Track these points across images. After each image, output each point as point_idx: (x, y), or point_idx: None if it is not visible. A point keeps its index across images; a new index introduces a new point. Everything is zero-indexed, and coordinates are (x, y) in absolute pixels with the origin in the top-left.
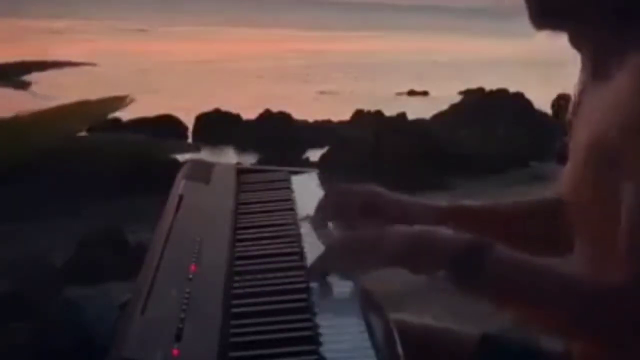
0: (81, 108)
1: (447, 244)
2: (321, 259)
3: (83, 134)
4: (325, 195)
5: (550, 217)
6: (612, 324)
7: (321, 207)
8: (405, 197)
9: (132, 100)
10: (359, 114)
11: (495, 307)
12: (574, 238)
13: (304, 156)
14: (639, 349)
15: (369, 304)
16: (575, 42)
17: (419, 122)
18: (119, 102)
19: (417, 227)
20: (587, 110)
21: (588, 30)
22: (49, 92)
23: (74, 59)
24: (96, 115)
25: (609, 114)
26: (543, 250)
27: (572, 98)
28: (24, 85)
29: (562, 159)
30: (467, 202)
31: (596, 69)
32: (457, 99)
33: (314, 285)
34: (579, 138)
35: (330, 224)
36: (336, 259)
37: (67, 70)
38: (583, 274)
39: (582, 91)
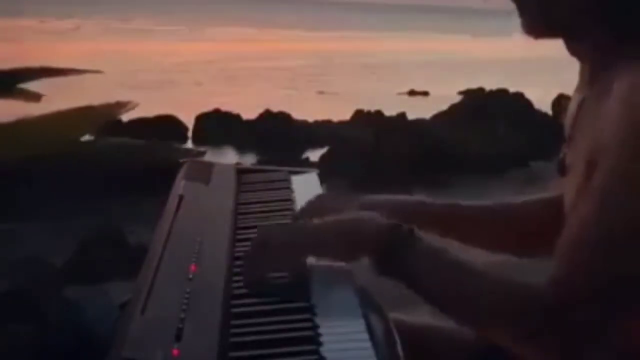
0: (85, 113)
1: (369, 229)
2: (244, 269)
3: (86, 137)
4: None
5: (544, 217)
6: (537, 326)
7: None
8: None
9: (135, 105)
10: (359, 114)
11: (418, 297)
12: None
13: (304, 156)
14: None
15: (369, 304)
16: (572, 50)
17: (419, 122)
18: (123, 106)
19: (345, 216)
20: (586, 124)
21: (584, 42)
22: (49, 93)
23: (74, 60)
24: (99, 120)
25: (601, 130)
26: (534, 250)
27: (571, 109)
28: (36, 98)
29: (563, 171)
30: (456, 200)
31: (594, 80)
32: (457, 99)
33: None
34: (579, 152)
35: None
36: (260, 259)
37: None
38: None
39: (582, 103)
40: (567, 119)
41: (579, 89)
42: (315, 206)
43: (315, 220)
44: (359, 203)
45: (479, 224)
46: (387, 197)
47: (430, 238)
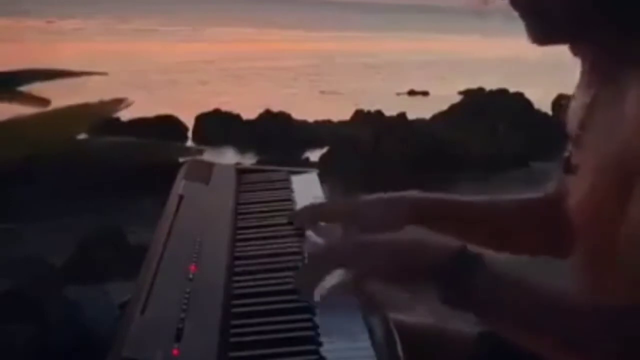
0: (81, 110)
1: (436, 251)
2: (302, 275)
3: (83, 136)
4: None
5: (540, 215)
6: (611, 347)
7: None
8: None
9: (131, 103)
10: (359, 114)
11: (485, 324)
12: (575, 248)
13: (304, 156)
14: None
15: (369, 304)
16: (575, 51)
17: (419, 122)
18: (119, 104)
19: (400, 237)
20: (600, 124)
21: (590, 44)
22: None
23: (75, 60)
24: (96, 118)
25: (629, 131)
26: (531, 248)
27: (575, 108)
28: (44, 103)
29: (569, 169)
30: (453, 195)
31: (604, 80)
32: (457, 99)
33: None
34: (593, 152)
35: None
36: (317, 274)
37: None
38: (578, 291)
39: (593, 104)
40: (571, 118)
41: (581, 87)
42: (310, 211)
43: (379, 238)
44: (360, 203)
45: (477, 221)
46: (384, 197)
47: (495, 262)
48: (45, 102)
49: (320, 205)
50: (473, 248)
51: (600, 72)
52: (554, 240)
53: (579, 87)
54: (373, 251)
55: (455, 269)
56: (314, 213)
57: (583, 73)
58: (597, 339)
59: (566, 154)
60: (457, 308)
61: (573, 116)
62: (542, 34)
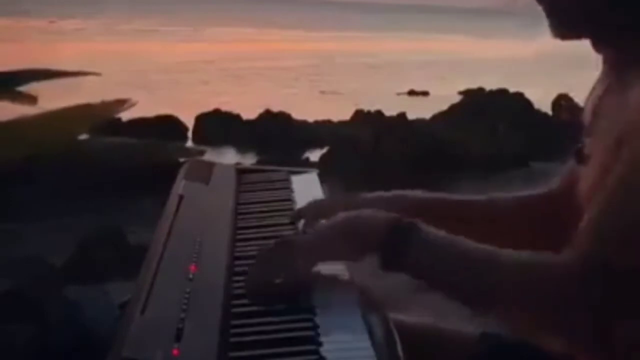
0: (83, 111)
1: (372, 225)
2: (255, 269)
3: (84, 136)
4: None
5: (540, 212)
6: (556, 305)
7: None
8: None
9: (133, 104)
10: (359, 114)
11: (428, 288)
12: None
13: (304, 156)
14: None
15: (369, 304)
16: (597, 47)
17: (419, 122)
18: (120, 105)
19: (341, 215)
20: (610, 114)
21: (609, 37)
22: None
23: (75, 60)
24: (97, 118)
25: (627, 120)
26: (532, 244)
27: (592, 100)
28: (32, 100)
29: (582, 159)
30: (451, 195)
31: (619, 73)
32: (457, 99)
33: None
34: (600, 141)
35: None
36: (269, 267)
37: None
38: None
39: (604, 95)
40: (587, 109)
41: (600, 81)
42: (313, 207)
43: (321, 224)
44: (361, 200)
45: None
46: (383, 193)
47: (433, 228)
48: (32, 100)
49: (323, 201)
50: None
51: (614, 67)
52: (555, 234)
53: (598, 81)
54: (326, 233)
55: (390, 237)
56: (317, 209)
57: (603, 68)
58: (541, 296)
59: (579, 145)
60: (395, 271)
61: (588, 108)
62: (561, 30)
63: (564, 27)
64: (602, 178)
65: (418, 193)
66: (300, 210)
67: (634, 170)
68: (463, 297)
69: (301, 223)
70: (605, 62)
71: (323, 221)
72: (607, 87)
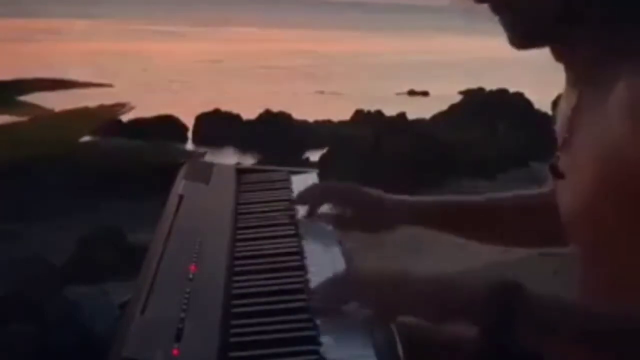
0: (82, 114)
1: (472, 292)
2: (330, 296)
3: (86, 139)
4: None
5: (543, 212)
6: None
7: (301, 196)
8: (381, 193)
9: (132, 107)
10: (359, 114)
11: (539, 354)
12: (578, 253)
13: (304, 156)
14: None
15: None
16: (557, 56)
17: (419, 122)
18: (120, 108)
19: (435, 274)
20: (587, 127)
21: (573, 46)
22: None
23: (75, 60)
24: (97, 121)
25: (616, 135)
26: (536, 244)
27: (563, 113)
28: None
29: (557, 174)
30: (450, 196)
31: (588, 81)
32: (457, 99)
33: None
34: (582, 154)
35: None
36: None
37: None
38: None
39: (577, 106)
40: (560, 121)
41: (567, 92)
42: (316, 191)
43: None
44: (362, 192)
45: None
46: (411, 199)
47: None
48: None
49: (326, 185)
50: (510, 277)
51: (586, 73)
52: (553, 234)
53: (565, 89)
54: (407, 289)
55: (498, 306)
56: (321, 193)
57: (567, 75)
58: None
59: (554, 159)
60: (508, 347)
61: (561, 119)
62: (522, 35)
63: (529, 36)
64: (585, 197)
65: (417, 198)
66: (302, 194)
67: None
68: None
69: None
70: (569, 70)
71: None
72: (579, 99)
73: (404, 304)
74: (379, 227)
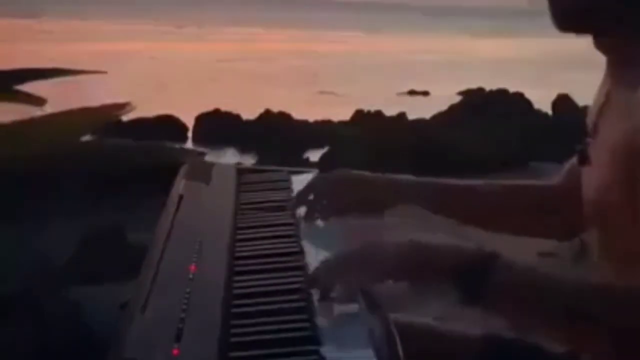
0: (83, 114)
1: (448, 254)
2: (318, 276)
3: (86, 138)
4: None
5: (536, 201)
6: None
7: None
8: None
9: (133, 107)
10: (359, 114)
11: (507, 321)
12: (594, 237)
13: (304, 156)
14: None
15: (369, 304)
16: (600, 44)
17: (419, 122)
18: (121, 108)
19: (412, 237)
20: (615, 112)
21: (613, 33)
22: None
23: (75, 60)
24: (98, 121)
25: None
26: (527, 230)
27: (596, 101)
28: (40, 102)
29: (584, 160)
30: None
31: (623, 70)
32: (457, 99)
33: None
34: (606, 139)
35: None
36: (333, 277)
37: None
38: (606, 279)
39: (609, 92)
40: (592, 111)
41: (605, 82)
42: (323, 183)
43: (393, 240)
44: (368, 180)
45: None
46: (410, 179)
47: (515, 259)
48: (41, 101)
49: (333, 177)
50: (488, 246)
51: (621, 64)
52: (550, 224)
53: (604, 79)
54: (386, 252)
55: (474, 270)
56: (328, 185)
57: (607, 66)
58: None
59: (580, 146)
60: (476, 307)
61: (593, 107)
62: (563, 22)
63: (567, 18)
64: (610, 183)
65: (426, 180)
66: (310, 186)
67: None
68: (551, 329)
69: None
70: (609, 60)
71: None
72: (612, 86)
73: (382, 267)
74: (378, 207)
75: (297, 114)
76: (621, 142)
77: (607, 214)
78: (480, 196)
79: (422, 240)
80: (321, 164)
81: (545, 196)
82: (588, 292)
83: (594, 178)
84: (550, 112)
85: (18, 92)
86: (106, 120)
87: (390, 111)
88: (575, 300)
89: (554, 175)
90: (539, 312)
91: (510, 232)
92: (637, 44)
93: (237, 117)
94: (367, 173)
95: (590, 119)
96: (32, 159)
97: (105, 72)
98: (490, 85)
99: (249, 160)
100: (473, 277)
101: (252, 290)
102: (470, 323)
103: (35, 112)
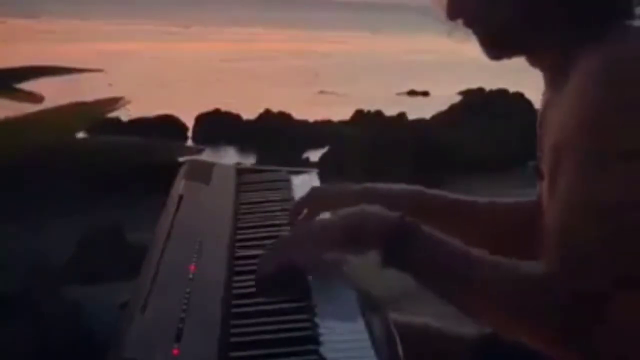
0: (76, 109)
1: (374, 222)
2: (265, 258)
3: (82, 135)
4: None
5: (525, 219)
6: (546, 312)
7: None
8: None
9: (127, 102)
10: (359, 114)
11: (428, 289)
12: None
13: (304, 156)
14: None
15: (369, 304)
16: (532, 63)
17: (419, 122)
18: (115, 103)
19: (345, 210)
20: (549, 123)
21: (540, 54)
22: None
23: (74, 60)
24: (92, 116)
25: (563, 119)
26: (518, 251)
27: (539, 115)
28: (38, 99)
29: (539, 174)
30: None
31: (554, 82)
32: (457, 99)
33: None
34: (545, 149)
35: None
36: (279, 255)
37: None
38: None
39: (546, 107)
40: (538, 124)
41: (544, 94)
42: (316, 198)
43: (322, 217)
44: (358, 192)
45: (471, 219)
46: (386, 186)
47: (434, 231)
48: (38, 98)
49: (325, 191)
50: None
51: (554, 76)
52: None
53: (543, 94)
54: (327, 227)
55: (393, 235)
56: (320, 200)
57: (545, 84)
58: (531, 305)
59: (533, 162)
60: (397, 269)
61: (538, 122)
62: (493, 46)
63: (499, 47)
64: (549, 191)
65: (420, 189)
66: (301, 201)
67: (578, 182)
68: (451, 298)
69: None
70: (544, 74)
71: (326, 214)
72: (548, 100)
73: (324, 235)
74: None
75: (297, 114)
76: (552, 148)
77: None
78: (483, 213)
79: (356, 209)
80: (321, 164)
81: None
82: (482, 264)
83: (544, 189)
84: None
85: (16, 89)
86: (100, 115)
87: (390, 111)
88: (470, 271)
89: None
90: (456, 287)
91: (513, 254)
92: (564, 57)
93: (237, 117)
94: (373, 185)
95: (537, 133)
96: (27, 157)
97: (101, 70)
98: (490, 85)
99: (249, 160)
100: (395, 242)
101: (252, 290)
102: (469, 323)
103: (31, 109)
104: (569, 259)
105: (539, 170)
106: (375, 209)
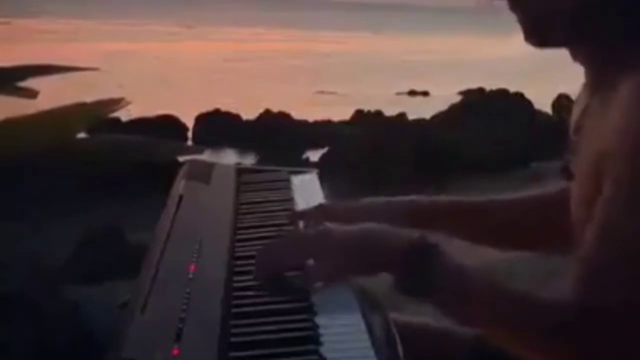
0: (77, 110)
1: (390, 243)
2: (262, 258)
3: (82, 135)
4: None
5: (538, 213)
6: (572, 342)
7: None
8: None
9: (128, 103)
10: (359, 114)
11: (442, 314)
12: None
13: (304, 156)
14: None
15: (369, 304)
16: (576, 57)
17: (419, 122)
18: (115, 103)
19: (358, 226)
20: (590, 129)
21: (587, 47)
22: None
23: (74, 60)
24: (92, 117)
25: (610, 130)
26: (530, 246)
27: (575, 115)
28: (32, 94)
29: (569, 175)
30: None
31: (597, 86)
32: (457, 99)
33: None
34: (584, 156)
35: None
36: (280, 258)
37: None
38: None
39: (585, 110)
40: (571, 125)
41: (582, 94)
42: (320, 212)
43: (340, 228)
44: (359, 207)
45: (476, 219)
46: (386, 200)
47: (451, 251)
48: (32, 93)
49: (330, 205)
50: (435, 238)
51: (597, 77)
52: (554, 236)
53: (581, 92)
54: (332, 243)
55: (413, 259)
56: (324, 214)
57: (585, 77)
58: (557, 335)
59: (564, 162)
60: (414, 297)
61: (573, 122)
62: (541, 37)
63: (544, 33)
64: (586, 200)
65: (422, 198)
66: (304, 212)
67: (626, 196)
68: (472, 325)
69: (300, 224)
70: (586, 73)
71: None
72: (589, 102)
73: (329, 255)
74: None
75: (297, 114)
76: (596, 158)
77: (577, 229)
78: (482, 210)
79: (370, 226)
80: (321, 164)
81: (543, 207)
82: (504, 296)
83: (575, 192)
84: (550, 112)
85: (11, 86)
86: (101, 116)
87: (390, 111)
88: (489, 301)
89: (553, 183)
90: (473, 308)
91: (514, 246)
92: (613, 52)
93: (237, 117)
94: (376, 199)
95: (570, 133)
96: (27, 157)
97: (97, 69)
98: (490, 85)
99: (249, 160)
100: (412, 267)
101: (252, 290)
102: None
103: (29, 108)
104: (599, 289)
105: (568, 171)
106: (387, 227)
